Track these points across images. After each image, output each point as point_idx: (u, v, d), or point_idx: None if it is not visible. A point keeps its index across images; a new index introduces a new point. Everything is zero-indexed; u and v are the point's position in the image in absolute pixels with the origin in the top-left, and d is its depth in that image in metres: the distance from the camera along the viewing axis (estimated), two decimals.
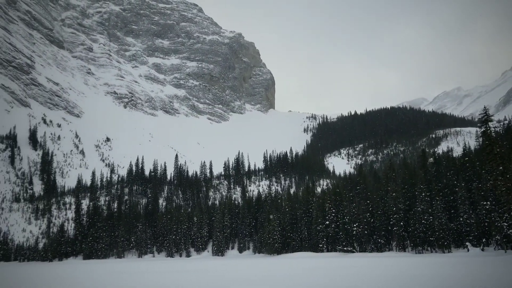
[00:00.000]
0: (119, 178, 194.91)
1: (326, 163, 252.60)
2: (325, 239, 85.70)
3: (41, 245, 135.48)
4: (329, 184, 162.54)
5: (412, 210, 72.55)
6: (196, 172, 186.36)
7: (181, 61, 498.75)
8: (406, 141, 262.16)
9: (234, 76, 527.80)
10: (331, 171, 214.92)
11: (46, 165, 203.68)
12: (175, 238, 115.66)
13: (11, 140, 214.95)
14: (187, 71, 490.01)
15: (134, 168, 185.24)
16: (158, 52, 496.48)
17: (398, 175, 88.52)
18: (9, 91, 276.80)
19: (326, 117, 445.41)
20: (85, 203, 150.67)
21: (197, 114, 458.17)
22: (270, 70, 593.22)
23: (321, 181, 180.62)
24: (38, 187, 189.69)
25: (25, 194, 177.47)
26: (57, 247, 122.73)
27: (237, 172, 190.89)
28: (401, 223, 72.80)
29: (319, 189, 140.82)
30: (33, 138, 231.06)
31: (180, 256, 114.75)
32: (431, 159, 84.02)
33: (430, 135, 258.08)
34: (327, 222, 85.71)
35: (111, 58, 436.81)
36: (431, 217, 67.86)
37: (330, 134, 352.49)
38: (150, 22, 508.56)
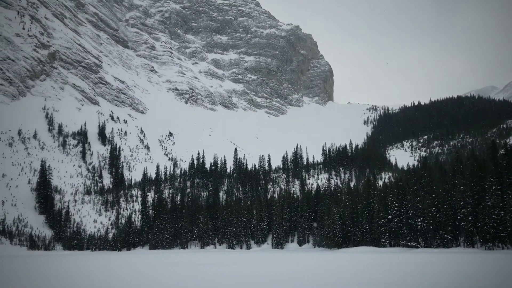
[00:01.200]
0: (182, 172, 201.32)
1: (387, 155, 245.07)
2: (387, 234, 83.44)
3: (110, 235, 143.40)
4: (391, 177, 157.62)
5: (481, 204, 68.59)
6: (254, 166, 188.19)
7: (239, 56, 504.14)
8: (475, 132, 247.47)
9: (291, 69, 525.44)
10: (393, 164, 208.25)
11: (114, 160, 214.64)
12: (236, 230, 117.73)
13: (82, 136, 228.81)
14: (245, 65, 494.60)
15: (195, 162, 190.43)
16: (217, 48, 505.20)
17: (465, 167, 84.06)
18: (80, 89, 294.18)
19: (388, 108, 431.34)
20: (150, 196, 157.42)
21: (255, 108, 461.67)
22: (328, 61, 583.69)
23: (383, 174, 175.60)
24: (107, 180, 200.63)
25: (95, 187, 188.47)
26: (125, 237, 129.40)
27: (296, 166, 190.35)
28: (469, 218, 69.10)
29: (380, 183, 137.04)
30: (102, 134, 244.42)
31: (241, 248, 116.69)
32: (502, 150, 78.70)
33: (501, 125, 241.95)
34: (390, 217, 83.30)
35: (172, 55, 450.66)
36: (502, 212, 63.88)
37: (392, 125, 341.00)
38: (209, 18, 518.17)
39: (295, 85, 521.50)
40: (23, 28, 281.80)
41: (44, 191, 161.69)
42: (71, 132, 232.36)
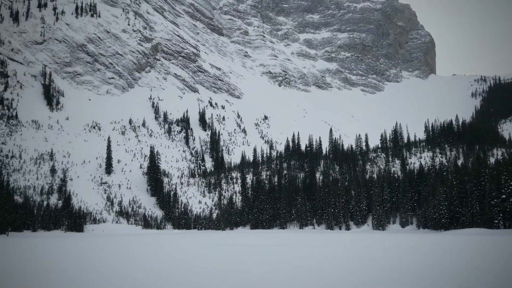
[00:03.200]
0: (278, 154, 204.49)
1: (500, 130, 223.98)
2: (501, 215, 76.93)
3: (214, 215, 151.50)
4: (505, 154, 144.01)
5: None
6: (351, 146, 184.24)
7: (332, 34, 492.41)
8: None
9: (388, 43, 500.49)
10: (507, 139, 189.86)
11: (214, 144, 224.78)
12: (334, 212, 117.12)
13: (185, 123, 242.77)
14: (338, 43, 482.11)
15: (290, 144, 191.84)
16: (308, 27, 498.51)
17: None
18: (180, 79, 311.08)
19: (499, 78, 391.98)
20: (249, 178, 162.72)
21: (350, 86, 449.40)
22: (429, 32, 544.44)
23: (495, 151, 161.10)
24: (209, 164, 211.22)
25: (199, 170, 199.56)
26: (228, 218, 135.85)
27: (395, 144, 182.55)
28: None
29: (492, 160, 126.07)
30: (202, 120, 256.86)
31: (340, 229, 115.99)
32: None
33: None
34: (504, 196, 76.59)
35: (265, 39, 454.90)
36: None
37: (504, 97, 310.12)
38: None
39: (393, 60, 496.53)
40: (128, 24, 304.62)
41: (154, 175, 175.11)
42: (175, 119, 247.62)
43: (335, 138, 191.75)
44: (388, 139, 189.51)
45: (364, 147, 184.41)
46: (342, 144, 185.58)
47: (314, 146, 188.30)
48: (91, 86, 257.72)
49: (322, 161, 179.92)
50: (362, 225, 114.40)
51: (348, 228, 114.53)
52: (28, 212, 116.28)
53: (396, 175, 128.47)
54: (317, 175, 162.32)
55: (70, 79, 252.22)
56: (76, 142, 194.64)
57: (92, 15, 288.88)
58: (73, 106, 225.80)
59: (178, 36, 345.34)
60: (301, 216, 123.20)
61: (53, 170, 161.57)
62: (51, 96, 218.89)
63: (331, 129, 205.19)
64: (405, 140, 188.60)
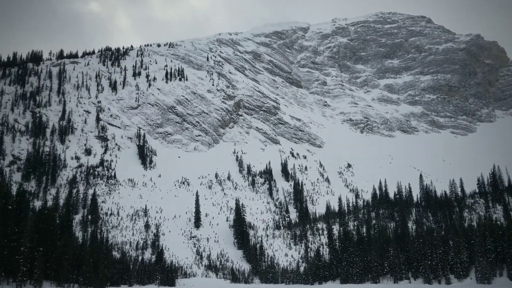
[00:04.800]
0: (364, 203, 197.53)
1: None
2: None
3: (301, 268, 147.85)
4: None
5: None
6: (444, 192, 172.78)
7: (414, 77, 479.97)
8: None
9: (476, 82, 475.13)
10: None
11: (298, 194, 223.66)
12: (431, 264, 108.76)
13: (267, 174, 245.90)
14: (422, 86, 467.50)
15: (377, 192, 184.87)
16: (388, 72, 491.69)
17: None
18: (262, 132, 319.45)
19: None
20: (335, 228, 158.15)
21: (438, 129, 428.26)
22: None
23: None
24: (293, 215, 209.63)
25: (283, 222, 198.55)
26: (315, 271, 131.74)
27: (495, 189, 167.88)
28: None
29: None
30: (284, 170, 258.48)
31: (439, 283, 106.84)
32: None
33: None
34: None
35: (343, 87, 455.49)
36: None
37: None
38: (377, 45, 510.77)
39: (483, 99, 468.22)
40: (213, 84, 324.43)
41: (240, 228, 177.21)
42: (258, 171, 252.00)
43: (426, 184, 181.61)
44: (486, 183, 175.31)
45: (459, 193, 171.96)
46: (435, 190, 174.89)
47: (403, 194, 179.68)
48: (180, 144, 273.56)
49: (414, 209, 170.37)
50: (464, 279, 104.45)
51: (448, 282, 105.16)
52: (124, 267, 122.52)
53: (498, 223, 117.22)
54: (409, 224, 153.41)
55: (162, 138, 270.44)
56: (168, 197, 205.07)
57: (180, 79, 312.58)
58: (165, 163, 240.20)
59: (259, 91, 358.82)
60: (395, 269, 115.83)
61: (147, 226, 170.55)
62: (145, 156, 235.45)
63: (421, 175, 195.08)
64: (506, 184, 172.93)
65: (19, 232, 74.25)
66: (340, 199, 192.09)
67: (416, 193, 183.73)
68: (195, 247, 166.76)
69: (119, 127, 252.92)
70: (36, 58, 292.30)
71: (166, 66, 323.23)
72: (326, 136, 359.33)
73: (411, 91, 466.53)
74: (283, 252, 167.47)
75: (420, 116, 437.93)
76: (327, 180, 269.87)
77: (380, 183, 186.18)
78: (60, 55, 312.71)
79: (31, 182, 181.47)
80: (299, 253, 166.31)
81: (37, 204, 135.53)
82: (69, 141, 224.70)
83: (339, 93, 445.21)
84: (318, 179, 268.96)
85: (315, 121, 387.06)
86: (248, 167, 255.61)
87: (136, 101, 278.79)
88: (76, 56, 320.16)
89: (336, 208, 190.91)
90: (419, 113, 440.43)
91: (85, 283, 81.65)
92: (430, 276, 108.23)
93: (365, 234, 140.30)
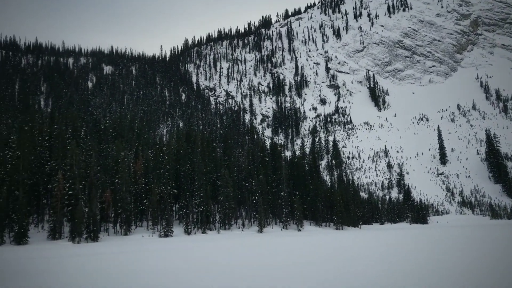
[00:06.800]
0: None
1: None
2: None
3: None
4: None
5: None
6: None
7: None
8: None
9: None
10: None
11: None
12: None
13: None
14: None
15: None
16: None
17: None
18: (510, 48, 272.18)
19: None
20: None
21: None
22: None
23: None
24: None
25: None
26: None
27: None
28: None
29: None
30: None
31: None
32: None
33: None
34: None
35: None
36: None
37: None
38: None
39: None
40: (442, 7, 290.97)
41: (495, 160, 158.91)
42: (511, 96, 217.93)
43: None
44: None
45: None
46: None
47: None
48: (413, 79, 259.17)
49: None
50: None
51: None
52: (373, 207, 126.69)
53: None
54: None
55: (392, 77, 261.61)
56: (406, 136, 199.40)
57: (404, 10, 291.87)
58: (398, 102, 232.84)
59: (500, 1, 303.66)
60: None
61: (389, 166, 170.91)
62: (377, 97, 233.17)
63: None
64: None
65: (277, 179, 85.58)
66: None
67: None
68: (444, 184, 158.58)
69: (348, 73, 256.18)
70: (266, 23, 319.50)
71: None
72: None
73: None
74: None
75: None
76: None
77: None
78: (286, 15, 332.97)
79: (279, 135, 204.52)
80: None
81: (287, 154, 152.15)
82: (305, 94, 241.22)
83: None
84: None
85: None
86: (497, 92, 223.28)
87: (360, 43, 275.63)
88: (299, 12, 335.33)
89: None
90: None
91: (339, 222, 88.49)
92: None
93: None
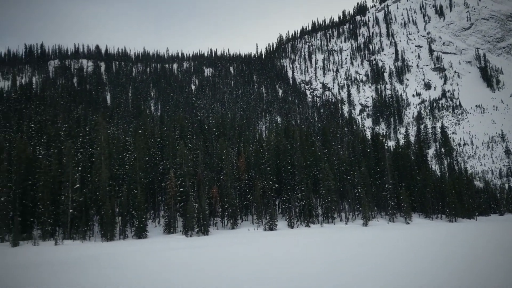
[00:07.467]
0: None
1: None
2: None
3: None
4: None
5: None
6: None
7: None
8: None
9: None
10: None
11: None
12: None
13: None
14: None
15: None
16: None
17: None
18: None
19: None
20: None
21: None
22: None
23: None
24: None
25: None
26: None
27: None
28: None
29: None
30: None
31: None
32: None
33: None
34: None
35: None
36: None
37: None
38: None
39: None
40: None
41: None
42: None
43: None
44: None
45: None
46: None
47: None
48: None
49: None
50: None
51: None
52: (490, 196, 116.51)
53: None
54: None
55: (506, 53, 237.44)
56: None
57: None
58: None
59: None
60: None
61: (507, 151, 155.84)
62: (489, 77, 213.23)
63: None
64: None
65: (380, 171, 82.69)
66: None
67: None
68: None
69: (454, 53, 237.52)
70: (361, 9, 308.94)
71: None
72: None
73: None
74: None
75: None
76: None
77: None
78: None
79: (380, 125, 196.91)
80: None
81: (390, 144, 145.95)
82: (407, 79, 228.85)
83: None
84: None
85: None
86: None
87: (467, 20, 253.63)
88: None
89: None
90: None
91: (451, 214, 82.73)
92: None
93: None
